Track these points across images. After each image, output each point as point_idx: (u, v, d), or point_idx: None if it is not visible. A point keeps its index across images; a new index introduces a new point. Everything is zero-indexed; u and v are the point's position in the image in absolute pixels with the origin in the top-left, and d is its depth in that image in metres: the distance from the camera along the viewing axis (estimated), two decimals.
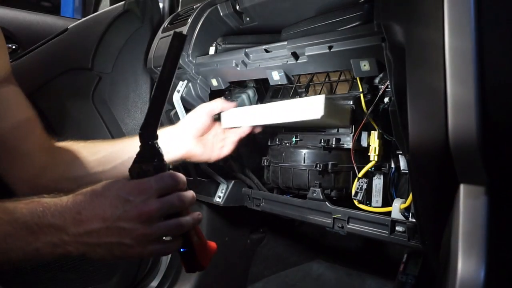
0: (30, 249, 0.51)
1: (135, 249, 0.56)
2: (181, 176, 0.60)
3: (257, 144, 1.01)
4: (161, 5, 1.31)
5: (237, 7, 0.94)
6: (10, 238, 0.50)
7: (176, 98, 1.00)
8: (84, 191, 0.56)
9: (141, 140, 0.60)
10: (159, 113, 0.61)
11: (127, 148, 0.81)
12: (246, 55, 0.86)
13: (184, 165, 1.08)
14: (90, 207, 0.54)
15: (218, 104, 0.89)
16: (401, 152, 0.73)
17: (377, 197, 0.75)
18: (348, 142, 0.78)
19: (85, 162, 0.80)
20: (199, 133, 0.87)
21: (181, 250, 0.63)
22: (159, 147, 0.61)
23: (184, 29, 0.98)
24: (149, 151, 0.60)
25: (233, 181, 1.01)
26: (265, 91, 1.01)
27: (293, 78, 0.88)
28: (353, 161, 0.76)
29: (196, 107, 0.90)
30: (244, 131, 0.88)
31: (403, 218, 0.68)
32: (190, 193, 0.62)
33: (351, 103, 0.76)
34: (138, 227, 0.55)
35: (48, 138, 0.83)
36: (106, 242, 0.54)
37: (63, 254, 0.53)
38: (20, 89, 0.81)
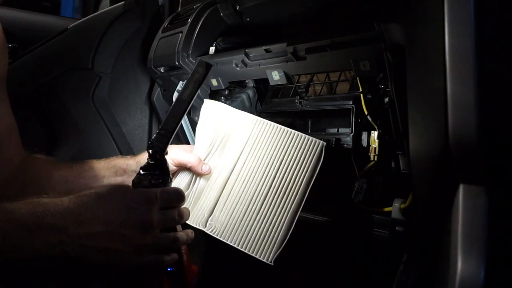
0: (29, 249, 0.51)
1: (131, 257, 0.56)
2: (183, 192, 0.62)
3: None
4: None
5: (237, 7, 0.94)
6: (8, 239, 0.50)
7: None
8: (87, 193, 0.56)
9: (149, 153, 0.62)
10: (172, 130, 0.64)
11: (88, 172, 0.80)
12: (246, 55, 0.85)
13: None
14: (93, 209, 0.54)
15: (190, 161, 0.76)
16: (401, 152, 0.72)
17: (377, 197, 0.75)
18: (348, 142, 0.78)
19: (48, 179, 0.79)
20: None
21: (168, 269, 0.62)
22: (167, 162, 0.63)
23: (184, 29, 0.98)
24: (157, 165, 0.61)
25: None
26: (265, 91, 1.01)
27: (293, 78, 0.88)
28: (353, 161, 0.76)
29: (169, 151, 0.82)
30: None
31: (403, 218, 0.68)
32: (187, 210, 0.64)
33: (351, 103, 0.76)
34: (138, 235, 0.55)
35: (21, 151, 0.81)
36: (104, 246, 0.54)
37: (60, 255, 0.53)
38: (6, 97, 0.78)
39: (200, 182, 0.76)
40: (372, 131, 0.73)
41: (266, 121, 0.76)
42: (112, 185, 0.58)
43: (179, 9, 1.22)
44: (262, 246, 0.67)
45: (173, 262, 0.60)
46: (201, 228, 0.71)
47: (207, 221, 0.72)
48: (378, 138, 0.72)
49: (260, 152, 0.75)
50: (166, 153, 0.63)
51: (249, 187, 0.72)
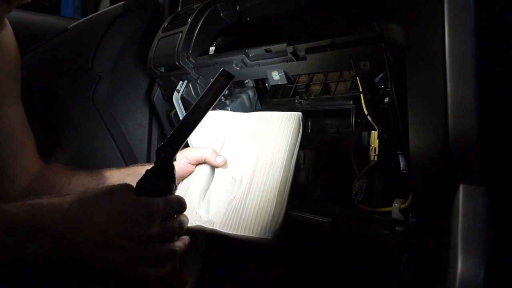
0: (27, 252, 0.51)
1: (126, 267, 0.56)
2: (185, 201, 0.61)
3: None
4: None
5: (237, 7, 0.94)
6: (7, 241, 0.51)
7: (176, 97, 1.01)
8: (88, 197, 0.55)
9: (157, 157, 0.60)
10: (185, 136, 0.62)
11: (108, 179, 0.81)
12: (246, 55, 0.85)
13: None
14: (92, 217, 0.53)
15: (204, 154, 0.78)
16: (401, 152, 0.72)
17: (377, 197, 0.75)
18: (348, 142, 0.78)
19: (66, 188, 0.79)
20: (178, 180, 0.78)
21: None
22: (174, 169, 0.61)
23: (184, 29, 0.98)
24: (164, 170, 0.60)
25: None
26: (265, 91, 1.01)
27: (293, 78, 0.88)
28: (353, 161, 0.76)
29: (182, 152, 0.81)
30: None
31: (403, 218, 0.68)
32: (187, 218, 0.62)
33: (351, 103, 0.76)
34: (135, 247, 0.55)
35: (38, 160, 0.82)
36: (100, 255, 0.54)
37: (58, 257, 0.53)
38: (22, 108, 0.80)
39: (196, 183, 0.77)
40: (372, 131, 0.73)
41: (241, 113, 0.80)
42: (114, 189, 0.57)
43: (179, 9, 1.22)
44: (256, 225, 0.64)
45: (167, 275, 0.59)
46: (196, 223, 0.70)
47: (201, 216, 0.71)
48: (378, 138, 0.72)
49: (240, 141, 0.77)
50: (175, 159, 0.62)
51: (235, 173, 0.73)
